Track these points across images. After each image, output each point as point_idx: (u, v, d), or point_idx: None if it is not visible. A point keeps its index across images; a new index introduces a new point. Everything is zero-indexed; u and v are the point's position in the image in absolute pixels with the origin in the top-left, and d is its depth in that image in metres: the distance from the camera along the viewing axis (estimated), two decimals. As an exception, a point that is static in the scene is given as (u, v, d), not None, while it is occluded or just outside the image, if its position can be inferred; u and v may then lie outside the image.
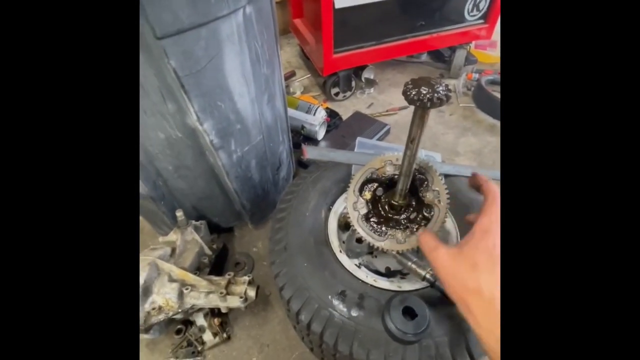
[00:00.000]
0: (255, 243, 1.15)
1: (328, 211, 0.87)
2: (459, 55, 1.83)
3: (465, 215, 0.79)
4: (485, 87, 1.65)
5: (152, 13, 0.53)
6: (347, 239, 0.83)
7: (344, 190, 0.91)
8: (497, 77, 1.77)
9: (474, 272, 0.44)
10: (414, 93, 0.48)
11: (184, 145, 0.79)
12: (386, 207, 0.72)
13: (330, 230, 0.83)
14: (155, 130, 0.74)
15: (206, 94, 0.69)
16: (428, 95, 0.48)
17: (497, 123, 1.60)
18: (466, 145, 1.51)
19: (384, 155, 0.72)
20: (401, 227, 0.70)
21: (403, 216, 0.71)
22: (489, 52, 1.99)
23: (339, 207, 0.89)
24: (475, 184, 0.58)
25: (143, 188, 0.85)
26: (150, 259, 0.84)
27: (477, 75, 1.81)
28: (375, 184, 0.73)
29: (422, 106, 0.48)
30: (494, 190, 0.54)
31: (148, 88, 0.66)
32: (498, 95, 1.61)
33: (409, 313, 0.58)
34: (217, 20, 0.62)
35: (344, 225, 0.89)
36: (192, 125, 0.74)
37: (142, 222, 1.23)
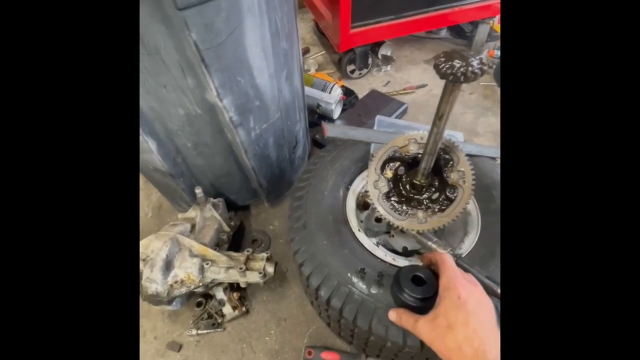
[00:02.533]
0: (271, 221, 1.16)
1: (346, 190, 0.86)
2: (482, 31, 1.74)
3: (493, 208, 0.78)
4: (508, 65, 1.58)
5: (174, -19, 0.51)
6: (366, 218, 0.83)
7: (362, 169, 0.90)
8: (521, 54, 1.69)
9: (451, 331, 0.47)
10: (446, 67, 0.46)
11: (203, 122, 0.79)
12: (407, 187, 0.71)
13: (348, 209, 0.83)
14: (176, 107, 0.74)
15: (226, 68, 0.68)
16: (462, 69, 0.46)
17: (519, 103, 1.54)
18: (486, 126, 1.46)
19: (407, 133, 0.70)
20: (422, 207, 0.69)
21: (425, 196, 0.70)
22: (513, 28, 1.89)
23: (357, 186, 0.88)
24: (426, 262, 0.64)
25: (163, 165, 0.86)
26: (171, 234, 0.86)
27: (499, 52, 1.73)
28: (398, 163, 0.71)
29: (455, 80, 0.46)
30: (440, 254, 0.60)
31: (168, 62, 0.64)
32: (522, 73, 1.54)
33: (418, 282, 0.59)
34: (238, -10, 0.60)
35: (362, 204, 0.88)
36: (211, 101, 0.73)
37: (161, 198, 1.25)
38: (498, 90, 1.62)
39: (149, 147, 0.80)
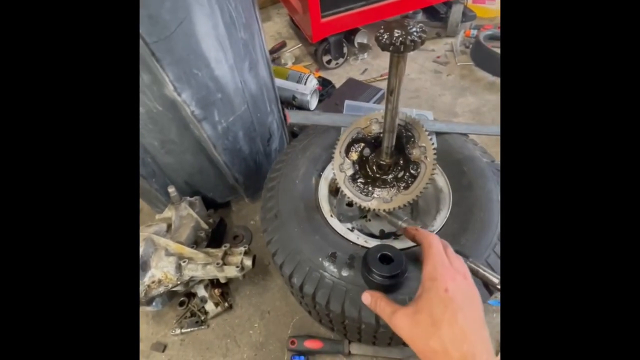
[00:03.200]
0: (252, 216, 1.16)
1: (318, 177, 0.86)
2: (456, 11, 1.73)
3: (464, 183, 0.77)
4: (484, 43, 1.57)
5: (106, -28, 0.50)
6: (337, 203, 0.83)
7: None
8: (497, 31, 1.68)
9: (436, 331, 0.41)
10: (386, 37, 0.45)
11: (166, 118, 0.78)
12: (374, 168, 0.71)
13: (321, 195, 0.82)
14: (134, 104, 0.73)
15: (180, 61, 0.67)
16: (401, 39, 0.45)
17: (497, 80, 1.53)
18: (464, 106, 1.46)
19: (369, 114, 0.70)
20: (388, 186, 0.69)
21: (391, 176, 0.69)
22: (489, 6, 1.88)
23: (329, 173, 0.87)
24: (410, 236, 0.58)
25: (131, 165, 0.85)
26: (145, 235, 0.85)
27: (475, 32, 1.72)
28: (362, 144, 0.71)
29: (395, 50, 0.45)
30: (427, 236, 0.53)
31: (119, 58, 0.63)
32: (498, 50, 1.53)
33: (386, 260, 0.58)
34: (180, -21, 0.59)
35: (335, 190, 0.88)
36: (170, 96, 0.72)
37: (141, 202, 1.24)
38: (476, 69, 1.61)
39: (113, 149, 0.79)
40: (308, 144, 0.91)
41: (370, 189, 0.69)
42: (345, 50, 1.68)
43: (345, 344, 0.82)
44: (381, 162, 0.68)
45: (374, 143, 0.70)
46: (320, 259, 0.68)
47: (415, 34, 0.45)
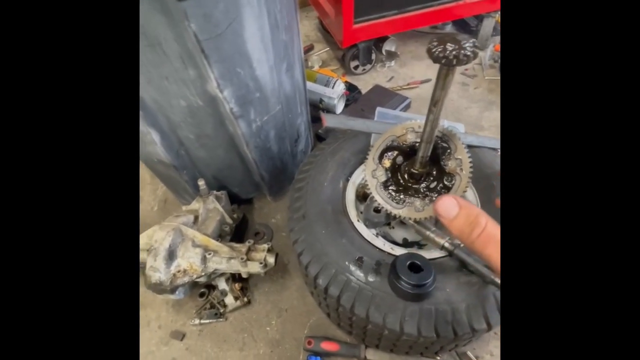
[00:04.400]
0: (274, 215, 1.17)
1: (346, 182, 0.87)
2: (487, 25, 1.73)
3: (494, 197, 0.77)
4: (514, 59, 1.56)
5: (171, -28, 0.53)
6: (365, 209, 0.83)
7: (362, 161, 0.90)
8: (528, 47, 1.67)
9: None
10: (439, 50, 0.46)
11: (205, 113, 0.80)
12: (406, 176, 0.71)
13: (348, 200, 0.83)
14: (177, 98, 0.75)
15: (226, 59, 0.69)
16: (454, 52, 0.46)
17: (525, 97, 1.52)
18: (490, 120, 1.45)
19: (406, 123, 0.70)
20: (420, 195, 0.69)
21: (423, 185, 0.70)
22: (520, 21, 1.86)
23: (357, 178, 0.88)
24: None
25: (166, 157, 0.87)
26: (174, 225, 0.87)
27: (505, 46, 1.71)
28: (396, 152, 0.71)
29: (447, 64, 0.46)
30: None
31: (169, 53, 0.66)
32: (528, 67, 1.52)
33: (415, 269, 0.59)
34: (236, -19, 0.61)
35: (362, 196, 0.89)
36: (212, 92, 0.75)
37: (167, 192, 1.27)
38: (504, 84, 1.60)
39: (152, 139, 0.81)
40: (337, 147, 0.92)
41: (401, 197, 0.70)
42: (373, 56, 1.69)
43: (362, 349, 0.83)
44: (414, 171, 0.69)
45: (408, 152, 0.71)
46: (346, 262, 0.69)
47: (468, 49, 0.45)
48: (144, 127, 0.78)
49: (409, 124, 0.70)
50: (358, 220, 0.79)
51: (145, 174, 1.37)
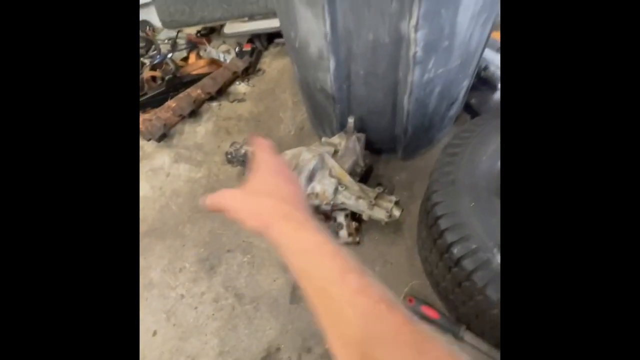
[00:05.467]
0: (399, 172, 1.16)
1: (506, 162, 0.79)
2: None
3: None
4: None
5: None
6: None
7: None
8: None
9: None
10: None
11: (384, 52, 0.79)
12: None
13: (504, 181, 0.76)
14: (368, 30, 0.75)
15: (437, -3, 0.65)
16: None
17: None
18: None
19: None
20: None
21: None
22: None
23: (520, 161, 0.79)
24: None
25: (331, 86, 0.91)
26: (320, 151, 0.94)
27: None
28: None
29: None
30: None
31: (384, -20, 0.64)
32: None
33: None
34: None
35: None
36: (404, 31, 0.72)
37: (305, 121, 1.36)
38: None
39: (327, 66, 0.85)
40: (507, 123, 0.82)
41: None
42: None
43: (462, 329, 0.81)
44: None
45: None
46: (492, 243, 0.65)
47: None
48: (326, 53, 0.81)
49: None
50: (511, 206, 0.72)
51: (288, 99, 1.48)
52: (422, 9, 0.66)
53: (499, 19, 0.88)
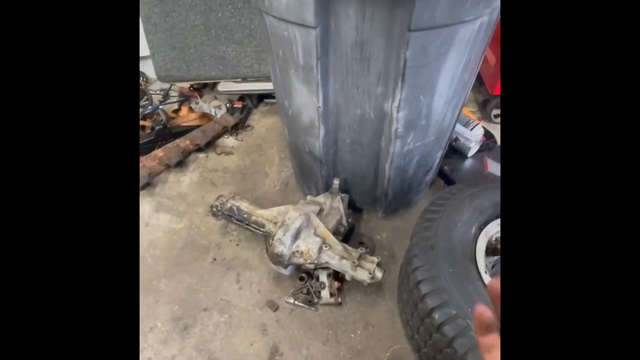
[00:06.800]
0: (380, 231, 1.21)
1: (479, 230, 0.85)
2: None
3: None
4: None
5: (418, 7, 0.60)
6: (496, 263, 0.81)
7: (499, 215, 0.87)
8: None
9: None
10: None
11: (370, 125, 0.88)
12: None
13: (478, 249, 0.82)
14: (356, 107, 0.84)
15: (416, 86, 0.75)
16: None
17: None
18: None
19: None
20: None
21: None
22: None
23: (491, 230, 0.86)
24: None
25: (319, 151, 0.98)
26: (307, 210, 0.97)
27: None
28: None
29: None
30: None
31: (372, 70, 0.75)
32: None
33: None
34: (460, 24, 0.66)
35: (492, 250, 0.86)
36: (387, 110, 0.82)
37: (290, 177, 1.42)
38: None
39: (317, 133, 0.92)
40: (478, 192, 0.91)
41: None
42: (519, 110, 1.61)
43: (444, 399, 0.80)
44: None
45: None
46: (470, 309, 0.68)
47: None
48: (317, 123, 0.89)
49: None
50: (485, 272, 0.77)
51: (275, 155, 1.54)
52: (404, 93, 0.76)
53: (466, 99, 1.01)
